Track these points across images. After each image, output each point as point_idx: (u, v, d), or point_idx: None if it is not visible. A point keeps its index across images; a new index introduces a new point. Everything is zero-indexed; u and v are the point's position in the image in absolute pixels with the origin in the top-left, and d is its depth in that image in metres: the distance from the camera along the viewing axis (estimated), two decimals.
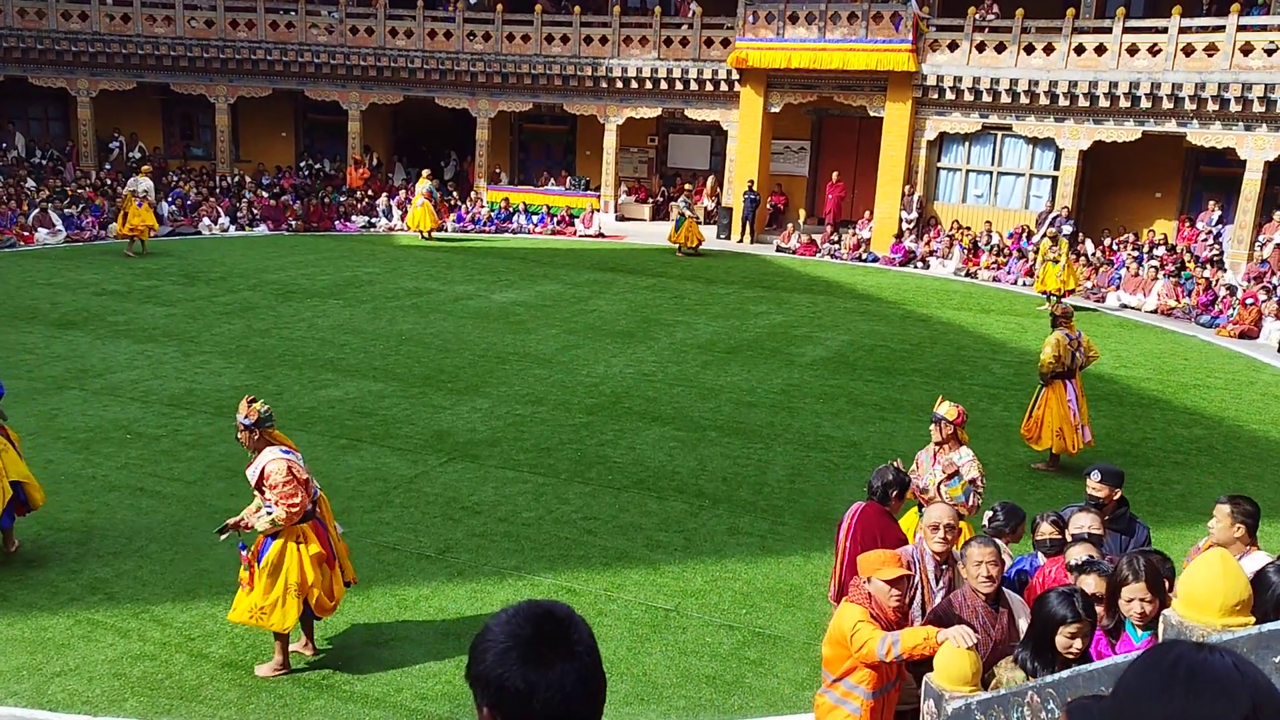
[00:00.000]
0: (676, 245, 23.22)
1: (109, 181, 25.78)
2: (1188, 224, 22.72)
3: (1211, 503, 5.77)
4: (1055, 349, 10.30)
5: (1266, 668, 2.75)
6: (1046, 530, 5.96)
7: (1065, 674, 3.56)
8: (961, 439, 7.23)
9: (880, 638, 4.58)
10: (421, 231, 24.30)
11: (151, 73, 28.09)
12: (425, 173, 24.97)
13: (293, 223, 24.96)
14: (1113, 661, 3.49)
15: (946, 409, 7.21)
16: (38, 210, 22.08)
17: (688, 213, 23.25)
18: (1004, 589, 4.96)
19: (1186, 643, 1.48)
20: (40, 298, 16.56)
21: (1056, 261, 18.71)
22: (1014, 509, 6.37)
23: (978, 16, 22.96)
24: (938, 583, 5.37)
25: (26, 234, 21.46)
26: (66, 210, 22.80)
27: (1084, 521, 5.70)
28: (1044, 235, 22.05)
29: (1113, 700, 1.48)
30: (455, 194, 27.85)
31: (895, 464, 6.45)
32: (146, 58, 27.67)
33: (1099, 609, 4.59)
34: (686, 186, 27.35)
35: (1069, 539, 5.69)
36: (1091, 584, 4.73)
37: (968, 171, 24.30)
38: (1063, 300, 18.66)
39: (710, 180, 27.00)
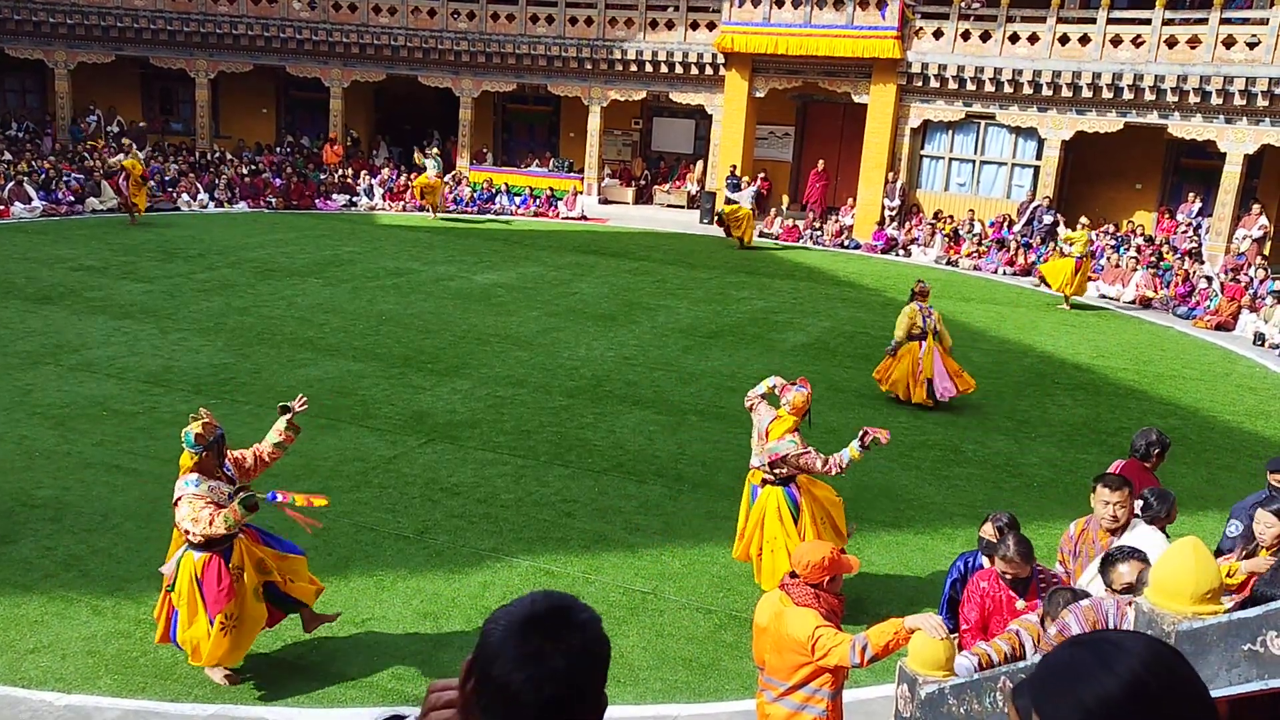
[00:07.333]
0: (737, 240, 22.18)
1: (86, 155, 25.46)
2: (1167, 215, 22.88)
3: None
4: (910, 318, 11.95)
5: (1236, 654, 2.78)
6: (991, 531, 5.66)
7: (1039, 658, 3.59)
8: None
9: (849, 644, 4.41)
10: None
11: (131, 45, 27.74)
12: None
13: (273, 200, 24.75)
14: None
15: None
16: (13, 183, 21.79)
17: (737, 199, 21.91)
18: None
19: (1098, 633, 1.55)
20: (15, 272, 16.36)
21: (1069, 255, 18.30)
22: (1164, 493, 5.92)
23: (963, 5, 22.97)
24: None
25: (2, 208, 21.19)
26: (68, 180, 22.53)
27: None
28: (1032, 227, 21.99)
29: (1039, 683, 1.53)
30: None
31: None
32: (126, 30, 27.31)
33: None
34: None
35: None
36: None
37: (950, 160, 24.36)
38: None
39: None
